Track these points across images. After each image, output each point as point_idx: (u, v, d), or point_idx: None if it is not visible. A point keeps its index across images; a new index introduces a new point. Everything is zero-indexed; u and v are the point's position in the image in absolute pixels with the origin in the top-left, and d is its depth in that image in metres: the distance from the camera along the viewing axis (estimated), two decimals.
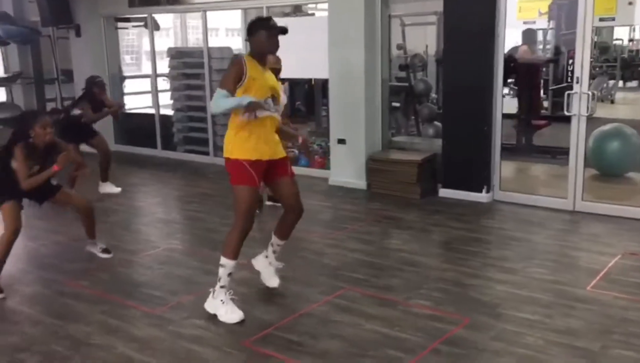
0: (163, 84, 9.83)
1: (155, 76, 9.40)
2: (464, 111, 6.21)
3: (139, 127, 9.58)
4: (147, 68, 12.22)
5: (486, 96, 6.06)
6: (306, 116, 12.05)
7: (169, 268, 4.69)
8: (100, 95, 6.70)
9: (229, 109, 3.57)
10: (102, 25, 9.47)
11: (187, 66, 8.97)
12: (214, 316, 3.74)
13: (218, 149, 8.54)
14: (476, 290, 4.15)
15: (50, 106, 10.74)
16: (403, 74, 9.18)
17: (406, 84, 8.90)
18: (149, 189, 7.33)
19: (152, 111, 9.56)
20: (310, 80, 11.35)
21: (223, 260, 3.69)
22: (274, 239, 4.09)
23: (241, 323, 3.67)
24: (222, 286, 3.73)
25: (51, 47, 9.89)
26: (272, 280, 4.14)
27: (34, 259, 4.93)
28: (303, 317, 3.77)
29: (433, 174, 6.61)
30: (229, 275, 3.72)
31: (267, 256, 4.15)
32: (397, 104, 8.58)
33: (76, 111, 6.58)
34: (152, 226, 5.90)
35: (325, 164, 7.69)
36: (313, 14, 11.00)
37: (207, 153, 8.74)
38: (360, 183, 6.92)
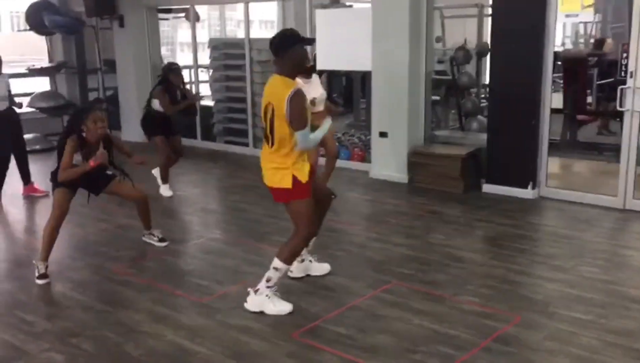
0: (200, 75, 9.88)
1: (196, 66, 9.46)
2: (510, 105, 6.09)
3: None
4: (181, 59, 12.35)
5: (535, 90, 5.93)
6: (344, 108, 12.02)
7: (214, 258, 4.72)
8: (177, 82, 6.33)
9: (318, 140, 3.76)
10: (144, 16, 9.55)
11: (229, 57, 9.00)
12: None
13: (258, 140, 8.56)
14: (526, 288, 4.07)
15: (92, 95, 10.92)
16: (441, 67, 9.06)
17: (446, 77, 8.79)
18: (190, 179, 7.37)
19: None
20: (348, 72, 11.30)
21: (279, 264, 3.68)
22: None
23: (288, 314, 3.68)
24: (270, 287, 3.72)
25: (95, 38, 10.03)
26: (322, 268, 4.28)
27: (82, 246, 5.02)
28: (350, 310, 3.75)
29: (477, 169, 6.51)
30: (279, 277, 3.76)
31: (302, 260, 4.16)
32: (437, 98, 8.48)
33: (158, 106, 6.23)
34: (195, 215, 5.94)
35: (365, 158, 7.64)
36: (351, 6, 10.93)
37: (246, 144, 8.77)
38: (402, 177, 6.85)
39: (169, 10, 10.51)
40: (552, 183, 6.21)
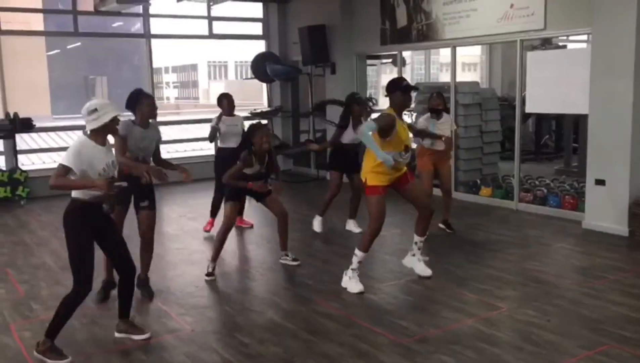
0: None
1: None
2: None
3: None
4: (384, 102, 12.76)
5: None
6: (554, 152, 11.37)
7: (415, 300, 4.71)
8: (360, 112, 6.34)
9: (368, 147, 4.59)
10: (354, 63, 10.08)
11: None
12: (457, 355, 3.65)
13: (459, 184, 8.44)
14: None
15: (303, 137, 11.74)
16: None
17: None
18: (393, 220, 7.45)
19: None
20: (559, 115, 10.71)
21: (357, 251, 4.76)
22: (416, 237, 5.04)
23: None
24: (352, 269, 4.79)
25: (308, 84, 10.82)
26: (424, 271, 5.04)
27: (291, 278, 5.34)
28: None
29: None
30: (359, 262, 4.79)
31: (414, 254, 5.07)
32: None
33: (345, 140, 6.41)
34: (395, 256, 5.97)
35: (577, 206, 7.11)
36: (565, 46, 10.40)
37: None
38: (622, 229, 6.23)
39: (377, 57, 10.98)
40: None
